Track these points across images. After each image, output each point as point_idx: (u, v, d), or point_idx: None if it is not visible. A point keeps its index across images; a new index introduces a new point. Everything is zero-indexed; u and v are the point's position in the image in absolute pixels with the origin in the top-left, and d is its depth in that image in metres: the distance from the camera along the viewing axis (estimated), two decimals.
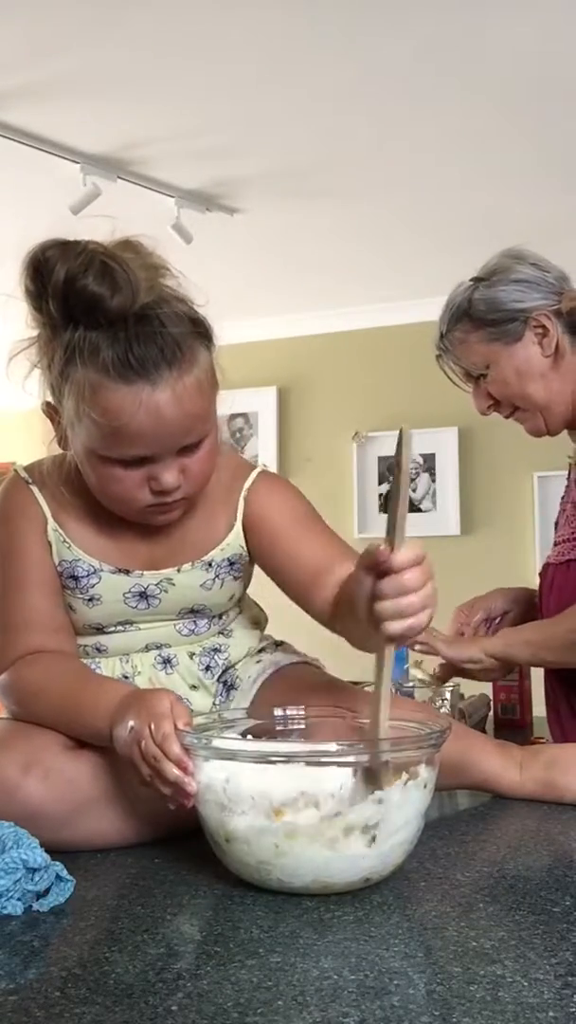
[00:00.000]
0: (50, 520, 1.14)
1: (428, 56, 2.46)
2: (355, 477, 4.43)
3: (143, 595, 1.15)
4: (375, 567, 0.86)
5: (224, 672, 1.22)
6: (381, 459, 4.44)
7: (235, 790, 0.85)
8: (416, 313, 3.94)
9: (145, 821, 1.02)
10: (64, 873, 0.85)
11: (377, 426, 4.41)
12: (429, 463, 4.36)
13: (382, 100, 2.68)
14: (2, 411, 4.43)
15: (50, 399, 1.06)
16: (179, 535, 1.15)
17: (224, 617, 1.23)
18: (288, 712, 1.07)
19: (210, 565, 1.16)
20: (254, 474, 1.20)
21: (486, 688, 1.88)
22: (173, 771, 0.90)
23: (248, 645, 1.25)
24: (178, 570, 1.15)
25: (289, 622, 1.27)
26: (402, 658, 1.98)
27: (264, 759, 0.86)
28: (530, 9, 2.28)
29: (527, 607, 1.80)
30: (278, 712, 1.06)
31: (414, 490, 4.39)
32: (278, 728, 1.04)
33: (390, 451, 4.40)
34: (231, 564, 1.18)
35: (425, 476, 4.37)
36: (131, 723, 0.94)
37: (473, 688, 1.77)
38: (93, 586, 1.13)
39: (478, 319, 1.58)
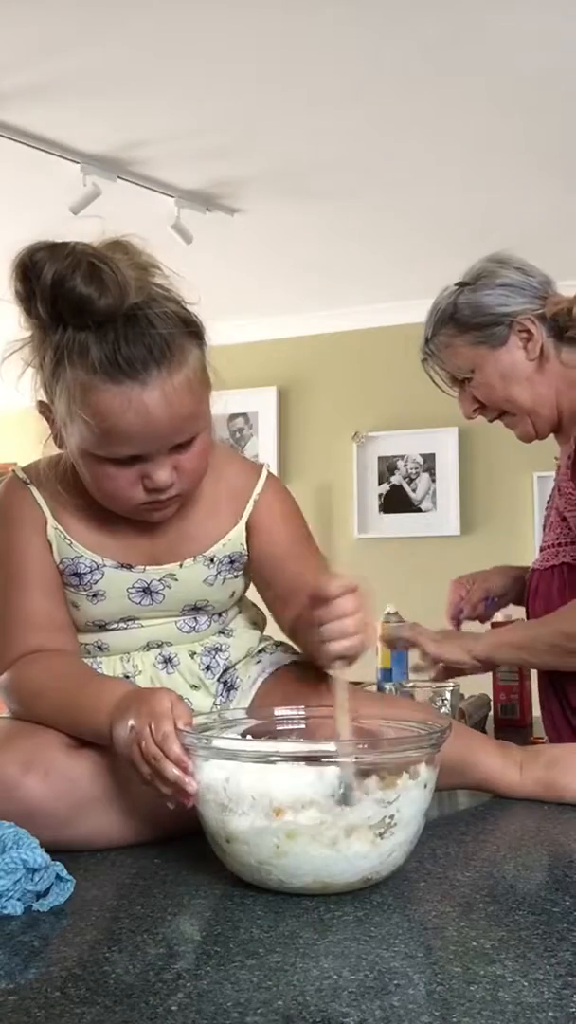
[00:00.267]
0: (50, 519, 1.14)
1: (428, 56, 2.47)
2: (355, 477, 4.43)
3: (147, 590, 1.15)
4: (317, 598, 0.98)
5: (224, 672, 1.22)
6: (381, 459, 4.44)
7: (235, 790, 0.86)
8: (416, 313, 3.91)
9: (145, 821, 1.02)
10: (64, 873, 0.85)
11: (377, 426, 4.41)
12: (429, 463, 4.36)
13: (382, 100, 2.68)
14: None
15: (44, 399, 1.06)
16: (181, 530, 1.15)
17: (224, 615, 1.23)
18: (288, 712, 1.07)
19: (212, 561, 1.17)
20: (263, 478, 1.22)
21: (486, 688, 1.88)
22: (173, 771, 0.90)
23: (248, 645, 1.25)
24: (180, 565, 1.16)
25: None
26: (402, 660, 1.98)
27: (264, 759, 0.86)
28: (530, 9, 2.28)
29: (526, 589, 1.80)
30: (278, 712, 1.06)
31: (414, 490, 4.39)
32: (278, 728, 1.04)
33: (390, 451, 4.42)
34: (231, 562, 1.18)
35: (425, 476, 4.37)
36: (131, 722, 0.94)
37: (473, 688, 1.77)
38: (96, 582, 1.13)
39: (463, 323, 1.59)
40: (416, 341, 1.71)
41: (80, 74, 2.55)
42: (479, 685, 1.80)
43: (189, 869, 0.94)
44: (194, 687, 1.20)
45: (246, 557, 1.20)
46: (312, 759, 0.88)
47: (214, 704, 1.20)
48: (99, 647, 1.18)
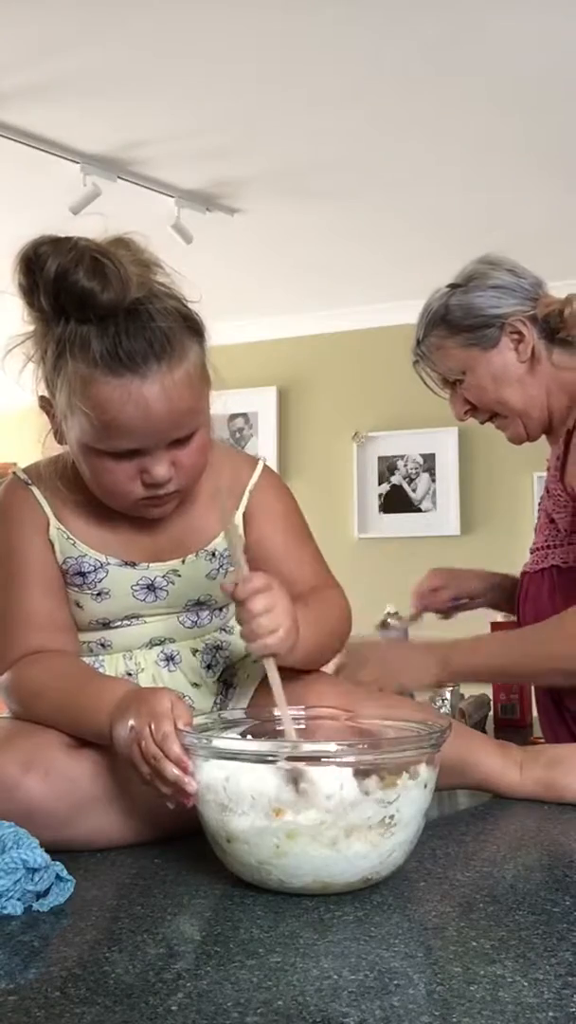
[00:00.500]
0: (52, 519, 1.14)
1: (428, 56, 2.47)
2: (355, 477, 4.43)
3: (151, 587, 1.15)
4: (232, 598, 1.01)
5: (225, 671, 1.22)
6: (381, 459, 4.44)
7: (235, 790, 0.85)
8: (416, 313, 3.94)
9: (145, 821, 1.02)
10: (64, 873, 0.85)
11: (377, 426, 4.41)
12: (429, 463, 4.36)
13: (382, 100, 2.68)
14: None
15: (45, 393, 1.07)
16: (181, 526, 1.16)
17: (226, 611, 1.23)
18: (288, 712, 1.07)
19: (213, 555, 1.17)
20: (259, 469, 1.23)
21: (486, 688, 1.88)
22: (173, 771, 0.90)
23: None
24: (183, 561, 1.16)
25: None
26: None
27: (264, 759, 0.86)
28: (530, 9, 2.28)
29: (504, 596, 1.80)
30: (278, 712, 1.06)
31: (414, 490, 4.39)
32: (278, 728, 1.04)
33: (390, 451, 4.42)
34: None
35: (425, 476, 4.37)
36: (131, 722, 0.94)
37: (473, 688, 1.77)
38: (101, 580, 1.14)
39: (454, 325, 1.58)
40: None
41: (80, 74, 2.55)
42: (479, 685, 1.80)
43: (189, 869, 0.95)
44: (195, 685, 1.20)
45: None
46: (312, 759, 0.88)
47: (214, 703, 1.21)
48: (102, 645, 1.18)
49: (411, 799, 0.87)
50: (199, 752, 0.89)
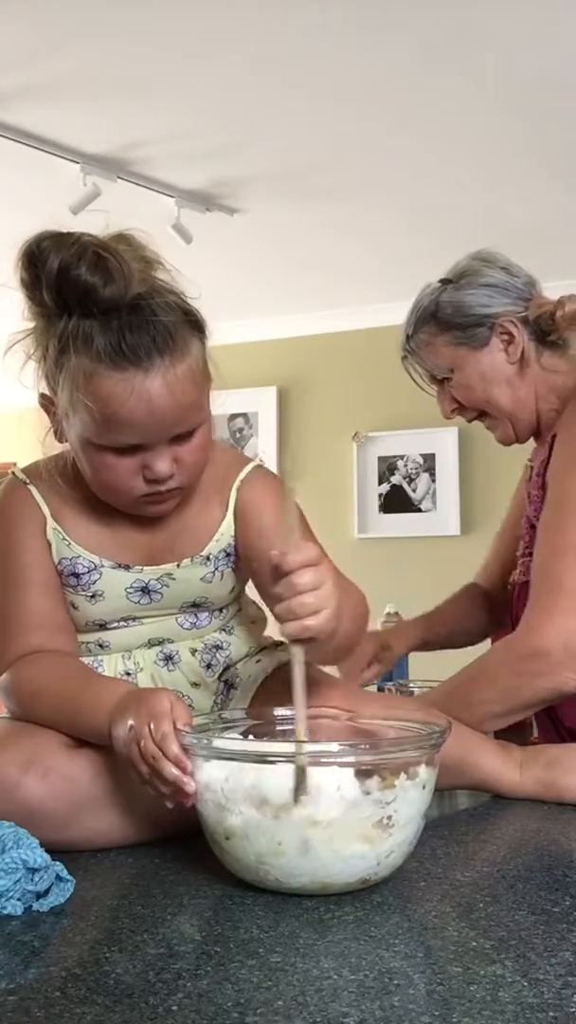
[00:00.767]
0: (49, 519, 1.14)
1: (428, 56, 2.47)
2: (355, 477, 4.43)
3: (145, 590, 1.15)
4: (272, 572, 0.91)
5: (225, 670, 1.22)
6: (381, 459, 4.44)
7: (234, 790, 0.85)
8: None
9: (145, 821, 1.02)
10: (64, 873, 0.85)
11: (377, 426, 4.41)
12: (429, 463, 4.36)
13: (382, 100, 2.68)
14: None
15: (46, 391, 1.07)
16: (176, 528, 1.15)
17: (225, 611, 1.23)
18: (288, 712, 1.07)
19: (208, 559, 1.17)
20: (249, 467, 1.21)
21: None
22: (172, 771, 0.90)
23: (248, 644, 1.25)
24: (177, 565, 1.15)
25: None
26: (403, 661, 1.98)
27: (264, 759, 0.86)
28: (530, 8, 2.28)
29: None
30: (278, 712, 1.06)
31: (414, 490, 4.39)
32: (278, 728, 1.04)
33: (390, 451, 4.42)
34: (227, 555, 1.18)
35: (425, 476, 4.37)
36: (130, 722, 0.94)
37: None
38: (94, 582, 1.13)
39: (444, 322, 1.56)
40: None
41: (80, 74, 2.55)
42: None
43: (189, 869, 0.94)
44: (195, 685, 1.20)
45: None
46: (312, 759, 0.88)
47: (214, 702, 1.20)
48: (100, 645, 1.18)
49: (410, 800, 0.87)
50: (198, 752, 0.89)
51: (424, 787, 0.89)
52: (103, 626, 1.17)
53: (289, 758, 0.87)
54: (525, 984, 0.66)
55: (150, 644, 1.19)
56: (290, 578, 0.90)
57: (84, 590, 1.14)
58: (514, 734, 1.42)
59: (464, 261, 1.59)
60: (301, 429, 4.59)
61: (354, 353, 4.45)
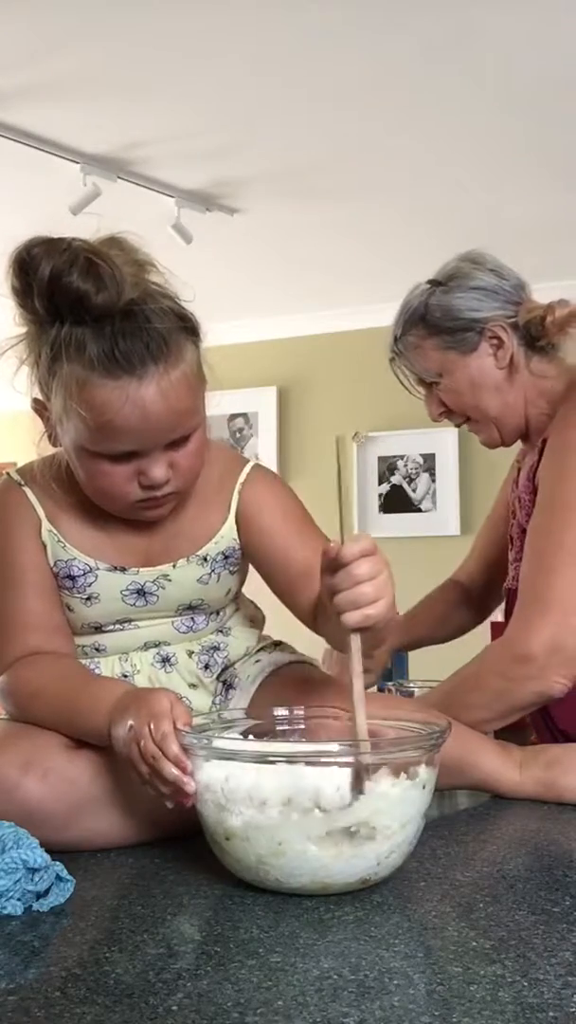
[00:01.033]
0: (44, 521, 1.14)
1: (428, 56, 2.46)
2: (355, 477, 4.43)
3: (141, 592, 1.15)
4: (329, 564, 0.91)
5: (223, 671, 1.22)
6: (381, 459, 4.44)
7: (234, 790, 0.85)
8: None
9: (145, 821, 1.02)
10: (64, 873, 0.85)
11: (377, 426, 4.41)
12: (429, 463, 4.36)
13: (382, 100, 2.68)
14: None
15: (39, 396, 1.06)
16: (173, 530, 1.15)
17: (222, 614, 1.23)
18: (288, 712, 1.07)
19: (205, 560, 1.16)
20: (248, 467, 1.20)
21: None
22: (172, 771, 0.90)
23: (247, 644, 1.25)
24: (174, 566, 1.15)
25: (287, 622, 1.27)
26: (403, 660, 1.98)
27: (263, 759, 0.86)
28: (530, 8, 2.28)
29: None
30: (278, 712, 1.06)
31: (414, 490, 4.39)
32: (278, 728, 1.04)
33: (390, 451, 4.42)
34: (226, 558, 1.18)
35: (425, 476, 4.37)
36: (130, 722, 0.94)
37: None
38: (90, 584, 1.13)
39: (433, 325, 1.54)
40: None
41: (80, 74, 2.55)
42: None
43: (189, 869, 0.94)
44: (192, 686, 1.19)
45: (240, 551, 1.19)
46: (312, 759, 0.88)
47: (213, 703, 1.20)
48: (96, 648, 1.18)
49: (409, 800, 0.87)
50: (198, 752, 0.89)
51: (424, 787, 0.89)
52: (99, 629, 1.16)
53: (289, 759, 0.87)
54: (525, 984, 0.66)
55: (146, 647, 1.19)
56: (348, 568, 0.89)
57: (80, 592, 1.14)
58: (514, 734, 1.41)
59: (453, 263, 1.57)
60: (301, 429, 4.59)
61: (354, 353, 4.44)
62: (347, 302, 4.36)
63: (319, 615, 1.07)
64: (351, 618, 0.90)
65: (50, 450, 1.12)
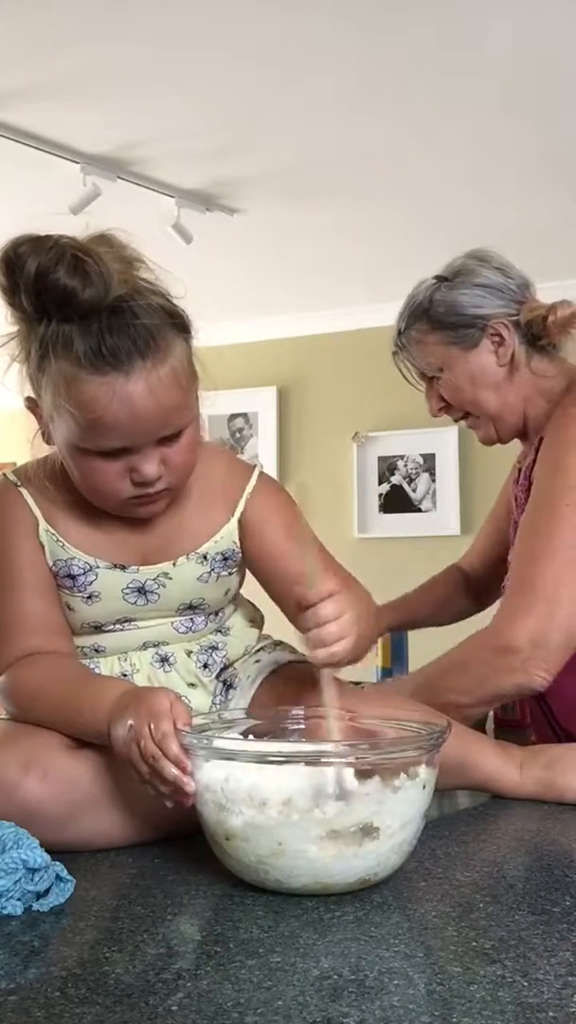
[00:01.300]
0: (41, 521, 1.13)
1: (428, 56, 2.47)
2: (355, 477, 4.43)
3: (141, 590, 1.15)
4: (296, 604, 0.99)
5: (223, 671, 1.22)
6: (381, 459, 4.44)
7: (234, 790, 0.85)
8: None
9: (145, 821, 1.02)
10: (64, 873, 0.85)
11: (377, 426, 4.41)
12: (429, 463, 4.36)
13: (382, 100, 2.68)
14: None
15: (31, 394, 1.07)
16: (172, 528, 1.15)
17: (221, 614, 1.23)
18: (288, 712, 1.07)
19: (205, 558, 1.16)
20: (255, 475, 1.21)
21: None
22: (171, 770, 0.90)
23: (246, 643, 1.25)
24: (174, 564, 1.15)
25: (287, 622, 1.27)
26: (403, 660, 1.98)
27: (263, 759, 0.86)
28: (531, 9, 2.28)
29: (416, 617, 1.85)
30: (278, 712, 1.06)
31: (414, 490, 4.39)
32: (278, 728, 1.04)
33: (390, 451, 4.42)
34: (224, 559, 1.18)
35: (425, 476, 4.37)
36: (130, 722, 0.94)
37: None
38: (91, 583, 1.13)
39: (436, 320, 1.55)
40: None
41: (80, 74, 2.55)
42: None
43: (189, 869, 0.94)
44: (192, 685, 1.19)
45: (239, 554, 1.19)
46: (312, 759, 0.88)
47: (213, 703, 1.20)
48: (96, 649, 1.17)
49: (410, 800, 0.87)
50: (198, 752, 0.89)
51: (424, 787, 0.89)
52: (99, 628, 1.16)
53: (289, 759, 0.87)
54: (525, 984, 0.66)
55: (145, 646, 1.19)
56: (315, 609, 0.97)
57: (80, 591, 1.14)
58: (514, 734, 1.42)
59: (460, 259, 1.58)
60: (301, 429, 4.59)
61: (354, 353, 4.44)
62: (347, 302, 4.36)
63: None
64: (318, 655, 0.98)
65: (44, 448, 1.12)
